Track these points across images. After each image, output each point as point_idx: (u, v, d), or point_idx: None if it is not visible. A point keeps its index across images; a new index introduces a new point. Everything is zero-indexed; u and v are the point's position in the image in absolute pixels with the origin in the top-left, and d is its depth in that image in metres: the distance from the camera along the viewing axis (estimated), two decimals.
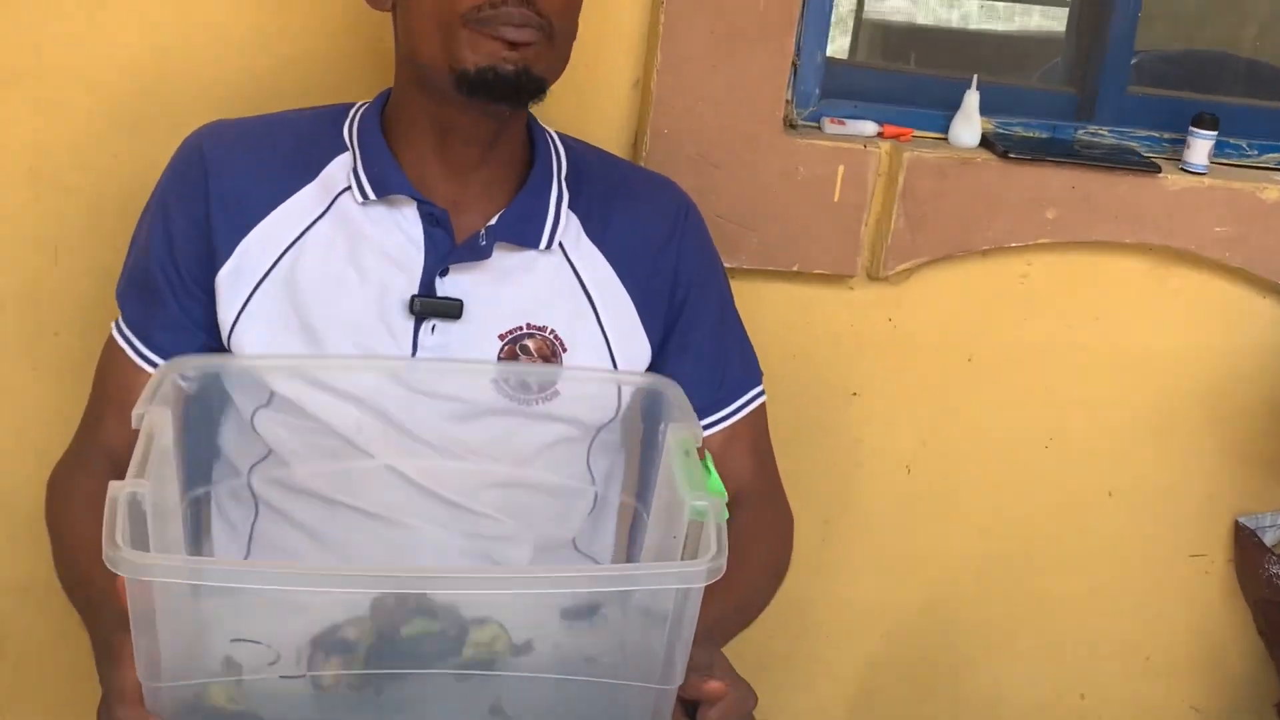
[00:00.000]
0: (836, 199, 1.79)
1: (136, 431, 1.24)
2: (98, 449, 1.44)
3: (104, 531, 0.99)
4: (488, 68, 1.26)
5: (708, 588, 1.11)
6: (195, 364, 1.33)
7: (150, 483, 1.05)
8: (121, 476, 1.17)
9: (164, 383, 1.23)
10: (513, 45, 1.28)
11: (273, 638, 1.10)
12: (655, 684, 1.11)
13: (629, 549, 1.51)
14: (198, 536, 1.42)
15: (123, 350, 1.42)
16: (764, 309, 1.77)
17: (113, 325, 1.46)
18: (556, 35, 1.32)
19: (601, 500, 1.53)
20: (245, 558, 1.44)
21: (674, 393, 1.35)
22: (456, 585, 1.17)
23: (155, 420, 1.14)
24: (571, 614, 1.18)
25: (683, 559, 1.14)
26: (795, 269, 1.83)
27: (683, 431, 1.24)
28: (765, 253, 1.81)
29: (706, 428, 1.51)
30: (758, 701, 1.23)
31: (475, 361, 1.40)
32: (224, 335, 1.38)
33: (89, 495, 1.39)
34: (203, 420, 1.39)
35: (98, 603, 1.24)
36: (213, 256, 1.37)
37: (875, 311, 1.94)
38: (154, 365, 1.42)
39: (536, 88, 1.31)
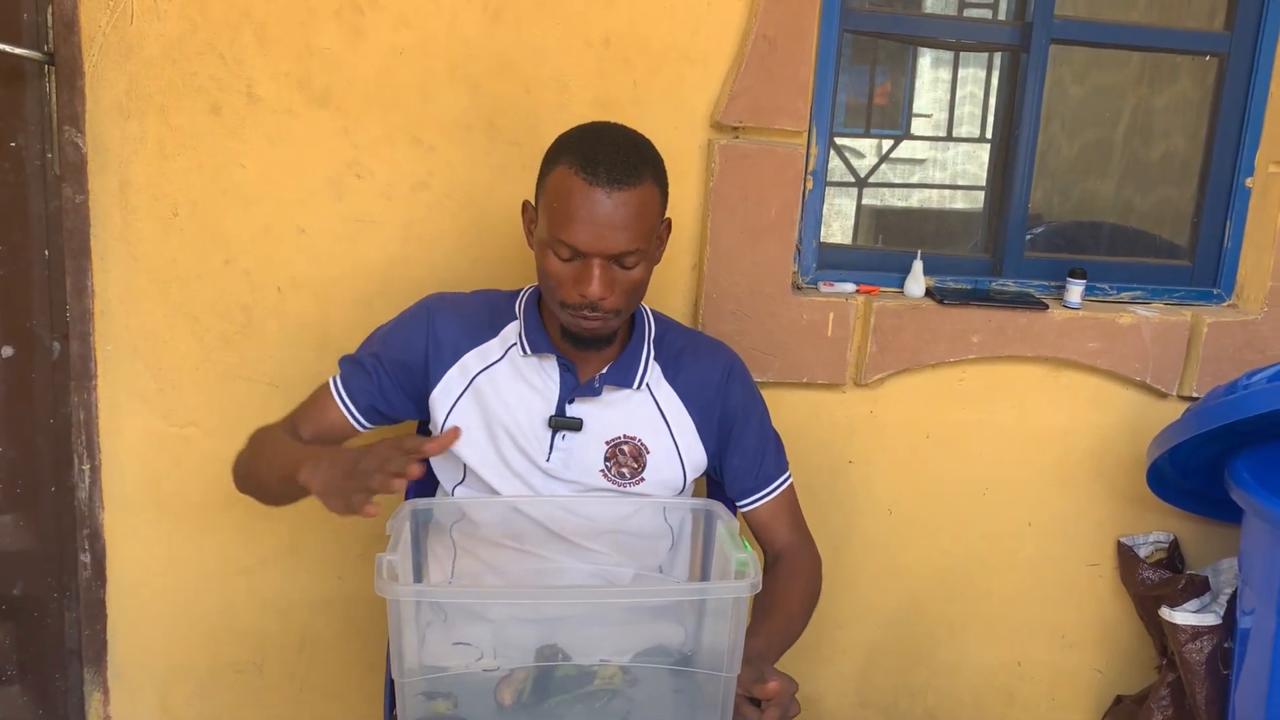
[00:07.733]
0: (829, 335, 2.15)
1: (314, 426, 1.59)
2: (290, 427, 1.64)
3: (375, 574, 1.20)
4: (574, 329, 1.55)
5: (760, 624, 1.38)
6: (423, 503, 1.60)
7: (399, 555, 1.35)
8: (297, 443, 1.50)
9: (403, 509, 1.52)
10: (591, 324, 1.53)
11: (471, 638, 1.33)
12: (723, 672, 1.30)
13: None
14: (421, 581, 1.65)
15: (331, 394, 1.65)
16: (785, 407, 2.13)
17: (332, 379, 1.66)
18: (624, 309, 1.53)
19: (677, 539, 1.69)
20: (448, 583, 1.67)
21: (720, 509, 1.55)
22: (583, 595, 1.45)
23: (399, 529, 1.45)
24: (665, 652, 1.37)
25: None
26: (805, 381, 2.16)
27: (728, 525, 1.49)
28: (784, 371, 2.15)
29: (752, 502, 1.70)
30: (798, 687, 1.40)
31: (589, 488, 1.61)
32: (436, 429, 1.60)
33: (277, 432, 1.62)
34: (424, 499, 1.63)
35: (284, 461, 1.42)
36: (427, 379, 1.59)
37: (860, 407, 2.25)
38: (346, 407, 1.63)
39: (607, 340, 1.57)
